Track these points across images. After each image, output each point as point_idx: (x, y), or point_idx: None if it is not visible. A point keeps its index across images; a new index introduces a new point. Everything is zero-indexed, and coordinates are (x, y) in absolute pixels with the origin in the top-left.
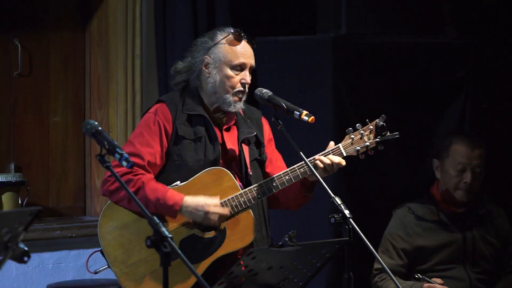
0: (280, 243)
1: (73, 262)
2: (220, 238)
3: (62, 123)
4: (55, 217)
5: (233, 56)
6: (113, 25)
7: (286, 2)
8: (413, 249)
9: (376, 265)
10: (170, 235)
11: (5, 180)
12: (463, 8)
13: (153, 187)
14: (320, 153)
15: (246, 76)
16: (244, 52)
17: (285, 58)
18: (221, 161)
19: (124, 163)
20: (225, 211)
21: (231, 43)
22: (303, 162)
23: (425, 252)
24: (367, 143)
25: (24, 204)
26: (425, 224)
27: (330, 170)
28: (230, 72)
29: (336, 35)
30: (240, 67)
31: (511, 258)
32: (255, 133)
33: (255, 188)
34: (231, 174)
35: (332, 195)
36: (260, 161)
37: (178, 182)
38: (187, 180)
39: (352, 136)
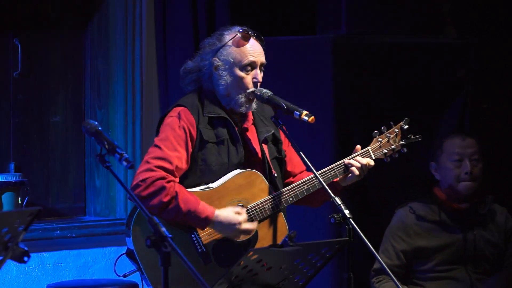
0: (280, 243)
1: (73, 262)
2: (253, 241)
3: (62, 123)
4: (55, 217)
5: (242, 56)
6: (113, 25)
7: (286, 2)
8: (413, 249)
9: (375, 265)
10: (170, 235)
11: (5, 180)
12: (463, 8)
13: (185, 198)
14: (349, 157)
15: (257, 74)
16: (252, 50)
17: (285, 58)
18: (244, 163)
19: (124, 163)
20: (254, 225)
21: (238, 43)
22: (334, 165)
23: (425, 252)
24: (393, 146)
25: (24, 204)
26: (426, 225)
27: (360, 173)
28: (241, 73)
29: (336, 35)
30: (251, 66)
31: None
32: (272, 131)
33: (287, 192)
34: (263, 177)
35: (332, 195)
36: (279, 159)
37: (210, 185)
38: (215, 182)
39: (380, 139)
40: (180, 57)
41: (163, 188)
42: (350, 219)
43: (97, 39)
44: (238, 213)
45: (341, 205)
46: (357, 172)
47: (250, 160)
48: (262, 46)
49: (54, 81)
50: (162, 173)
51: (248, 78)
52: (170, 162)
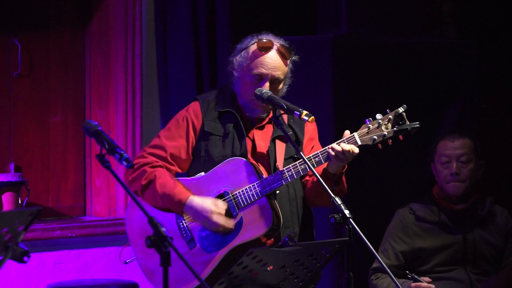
0: (280, 243)
1: (73, 262)
2: (237, 228)
3: (62, 123)
4: (55, 217)
5: (253, 65)
6: (113, 25)
7: (286, 2)
8: (412, 250)
9: (374, 264)
10: (170, 235)
11: (5, 180)
12: (463, 8)
13: (163, 182)
14: (335, 142)
15: (264, 87)
16: (266, 62)
17: None
18: (250, 157)
19: (124, 163)
20: (228, 223)
21: (254, 52)
22: (318, 151)
23: (424, 253)
24: (385, 132)
25: (24, 204)
26: (425, 225)
27: (343, 158)
28: (248, 80)
29: (336, 35)
30: (259, 77)
31: (511, 256)
32: (290, 132)
33: (270, 178)
34: (251, 164)
35: (332, 195)
36: (296, 159)
37: (202, 173)
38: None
39: (369, 125)
40: (180, 57)
41: (143, 172)
42: (350, 219)
43: (97, 39)
44: (216, 204)
45: (341, 205)
46: (338, 156)
47: (256, 155)
48: (285, 62)
49: (54, 81)
50: (149, 159)
51: (251, 88)
52: (164, 150)
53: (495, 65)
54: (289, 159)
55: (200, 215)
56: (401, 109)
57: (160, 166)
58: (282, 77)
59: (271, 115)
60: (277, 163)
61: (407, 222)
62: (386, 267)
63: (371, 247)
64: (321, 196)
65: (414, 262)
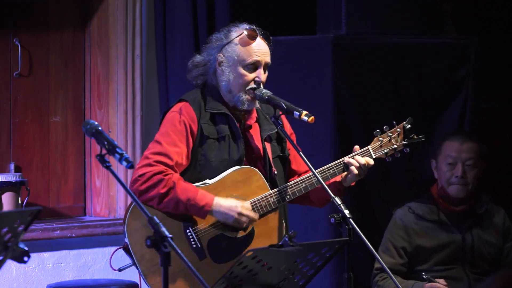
0: (280, 243)
1: (73, 262)
2: (249, 238)
3: (62, 123)
4: (55, 217)
5: (246, 55)
6: (113, 25)
7: (286, 2)
8: (413, 248)
9: (377, 265)
10: (170, 235)
11: (5, 180)
12: (463, 8)
13: (184, 188)
14: (349, 155)
15: (260, 74)
16: (258, 50)
17: (285, 58)
18: (245, 159)
19: (124, 163)
20: (255, 216)
21: (244, 42)
22: (333, 164)
23: (424, 252)
24: (395, 146)
25: (24, 204)
26: (425, 224)
27: (360, 172)
28: (243, 71)
29: (336, 35)
30: (254, 65)
31: (509, 255)
32: (276, 130)
33: (284, 189)
34: (260, 174)
35: (332, 195)
36: (282, 158)
37: (207, 181)
38: (214, 178)
39: (381, 138)
40: (180, 57)
41: (160, 180)
42: (350, 219)
43: (97, 39)
44: (241, 203)
45: (341, 205)
46: (356, 172)
47: (251, 157)
48: (269, 46)
49: (54, 81)
50: (160, 168)
51: (250, 77)
52: (170, 158)
53: (495, 64)
54: (276, 158)
55: (230, 213)
56: (408, 124)
57: (171, 173)
58: (270, 62)
59: (255, 114)
60: (273, 168)
61: (407, 221)
62: (386, 268)
63: (371, 247)
64: (319, 200)
65: (413, 260)
